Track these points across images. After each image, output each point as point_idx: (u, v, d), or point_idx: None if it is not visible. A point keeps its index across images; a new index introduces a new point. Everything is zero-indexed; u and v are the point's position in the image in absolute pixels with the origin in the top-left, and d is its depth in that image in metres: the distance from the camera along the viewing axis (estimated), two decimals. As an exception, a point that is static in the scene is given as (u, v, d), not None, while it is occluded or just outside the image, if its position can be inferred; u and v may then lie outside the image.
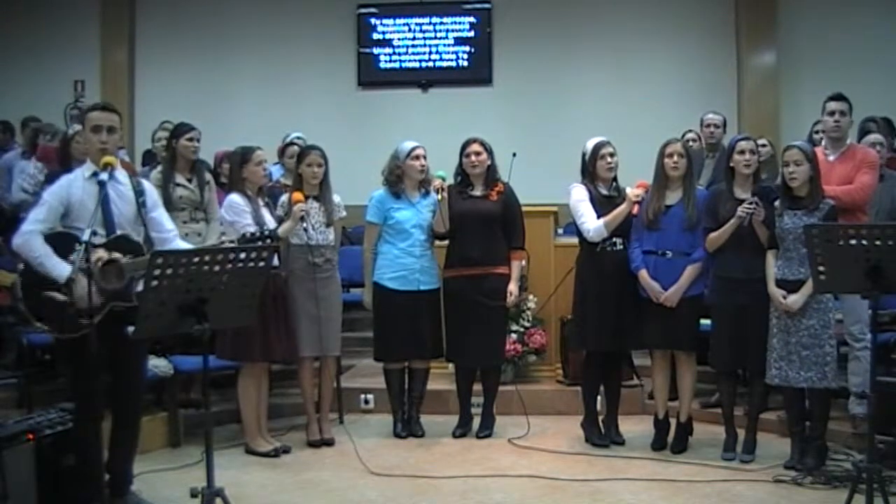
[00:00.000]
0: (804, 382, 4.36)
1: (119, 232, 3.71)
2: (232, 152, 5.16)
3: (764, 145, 5.73)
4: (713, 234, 4.59)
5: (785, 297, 4.35)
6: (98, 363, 3.40)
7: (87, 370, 3.43)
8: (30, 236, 3.58)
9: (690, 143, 6.34)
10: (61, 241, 3.60)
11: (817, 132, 6.53)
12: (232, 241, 4.20)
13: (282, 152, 6.77)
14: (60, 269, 3.50)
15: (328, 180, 5.06)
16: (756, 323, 4.49)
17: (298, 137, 7.16)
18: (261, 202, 4.90)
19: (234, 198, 4.82)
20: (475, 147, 5.14)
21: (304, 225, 4.84)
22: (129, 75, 9.91)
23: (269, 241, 4.32)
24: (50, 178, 5.46)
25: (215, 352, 4.74)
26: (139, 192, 3.84)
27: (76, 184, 3.69)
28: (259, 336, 4.67)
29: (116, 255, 3.59)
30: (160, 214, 3.93)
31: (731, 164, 4.63)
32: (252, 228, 4.61)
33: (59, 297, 3.47)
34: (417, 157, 5.14)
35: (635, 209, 4.72)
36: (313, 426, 5.12)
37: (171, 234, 3.91)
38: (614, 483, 4.33)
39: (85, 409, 3.63)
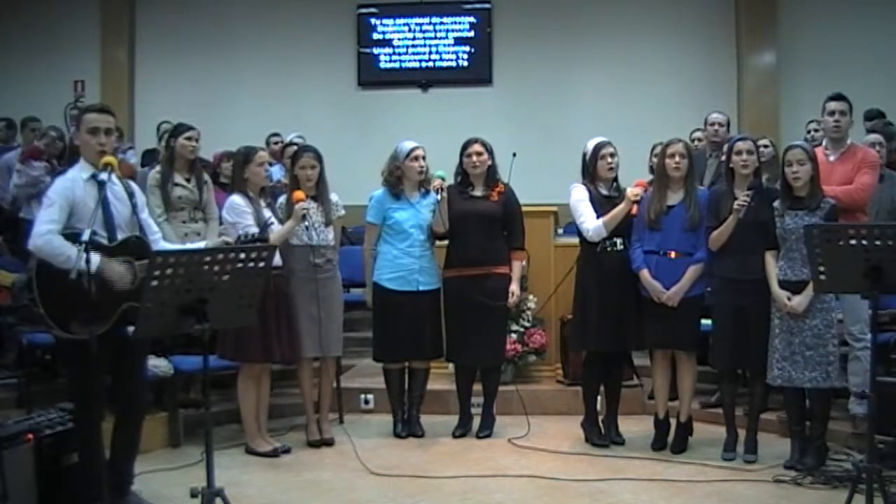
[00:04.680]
0: (808, 383, 4.35)
1: (120, 235, 3.71)
2: (233, 153, 5.15)
3: (766, 146, 5.70)
4: (715, 232, 4.59)
5: (789, 299, 4.36)
6: (99, 364, 3.39)
7: (88, 370, 3.43)
8: (51, 236, 3.55)
9: (696, 144, 6.34)
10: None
11: (809, 131, 6.56)
12: (230, 243, 4.19)
13: (282, 153, 6.78)
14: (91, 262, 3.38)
15: (325, 180, 5.05)
16: (756, 323, 4.50)
17: (298, 137, 7.18)
18: (263, 203, 4.90)
19: (236, 199, 4.81)
20: (476, 147, 5.14)
21: (306, 224, 4.84)
22: (129, 75, 9.92)
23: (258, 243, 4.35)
24: (54, 177, 5.49)
25: (216, 352, 4.74)
26: (130, 194, 3.86)
27: (78, 184, 3.69)
28: (259, 336, 4.67)
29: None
30: (147, 217, 3.96)
31: (731, 165, 4.64)
32: (253, 229, 4.61)
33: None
34: (416, 158, 5.13)
35: (634, 209, 4.72)
36: (313, 426, 5.11)
37: (157, 237, 3.93)
38: (614, 483, 4.33)
39: (85, 410, 3.63)
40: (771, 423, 5.08)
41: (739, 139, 4.73)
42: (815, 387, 4.36)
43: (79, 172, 3.73)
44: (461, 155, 5.19)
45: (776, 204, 4.47)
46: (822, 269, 3.43)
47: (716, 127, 6.31)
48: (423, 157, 5.16)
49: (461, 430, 5.26)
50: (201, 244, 4.28)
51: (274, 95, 9.72)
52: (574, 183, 5.00)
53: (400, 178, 5.14)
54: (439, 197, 5.05)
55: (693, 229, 4.68)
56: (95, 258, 3.42)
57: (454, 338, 5.17)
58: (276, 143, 7.66)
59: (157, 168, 5.49)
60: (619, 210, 4.75)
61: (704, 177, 5.92)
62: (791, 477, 4.30)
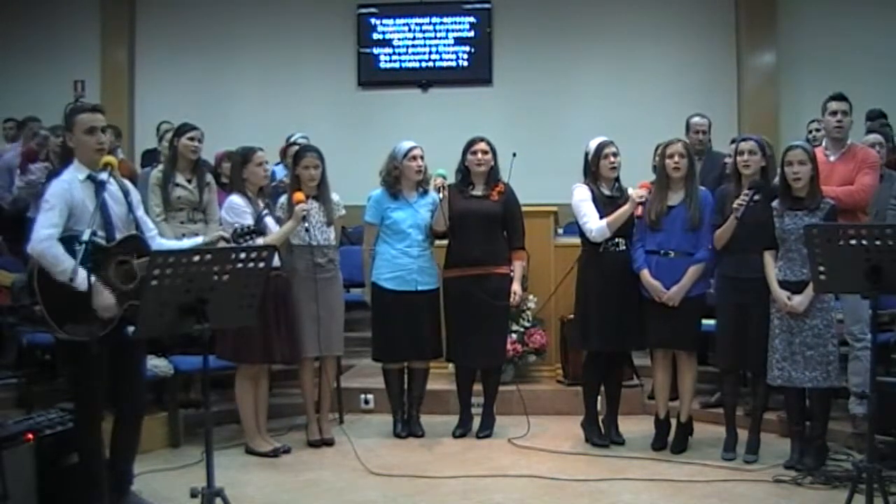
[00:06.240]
0: (809, 382, 4.36)
1: (118, 234, 3.70)
2: (232, 153, 5.15)
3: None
4: (717, 231, 4.60)
5: (789, 299, 4.36)
6: (99, 364, 3.40)
7: (88, 371, 3.43)
8: (51, 243, 3.53)
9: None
10: (64, 246, 3.56)
11: (811, 132, 6.55)
12: (227, 239, 4.19)
13: (284, 152, 6.78)
14: (84, 279, 3.40)
15: (326, 180, 5.05)
16: (756, 322, 4.50)
17: (303, 137, 7.18)
18: (261, 203, 4.90)
19: (235, 199, 4.81)
20: (482, 146, 5.14)
21: (306, 224, 4.84)
22: (129, 75, 9.92)
23: (254, 234, 4.37)
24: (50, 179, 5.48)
25: (216, 352, 4.74)
26: (125, 192, 3.85)
27: (75, 186, 3.68)
28: (259, 337, 4.66)
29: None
30: (143, 214, 3.95)
31: (736, 165, 4.64)
32: (248, 221, 4.61)
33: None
34: (415, 158, 5.13)
35: (638, 210, 4.72)
36: (313, 426, 5.11)
37: (153, 234, 3.93)
38: (614, 483, 4.33)
39: (85, 410, 3.63)
40: (771, 423, 5.06)
41: (742, 139, 4.74)
42: (815, 386, 4.36)
43: (74, 173, 3.71)
44: (465, 152, 5.18)
45: (775, 204, 4.47)
46: (822, 269, 3.43)
47: (700, 135, 6.28)
48: (422, 157, 5.16)
49: (461, 430, 5.26)
50: (199, 240, 4.28)
51: (274, 95, 9.71)
52: (576, 183, 5.00)
53: (398, 177, 5.14)
54: (440, 196, 5.05)
55: (693, 229, 4.68)
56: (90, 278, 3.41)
57: (455, 338, 5.16)
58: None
59: (160, 167, 5.49)
60: (623, 211, 4.75)
61: None
62: (791, 477, 4.30)
